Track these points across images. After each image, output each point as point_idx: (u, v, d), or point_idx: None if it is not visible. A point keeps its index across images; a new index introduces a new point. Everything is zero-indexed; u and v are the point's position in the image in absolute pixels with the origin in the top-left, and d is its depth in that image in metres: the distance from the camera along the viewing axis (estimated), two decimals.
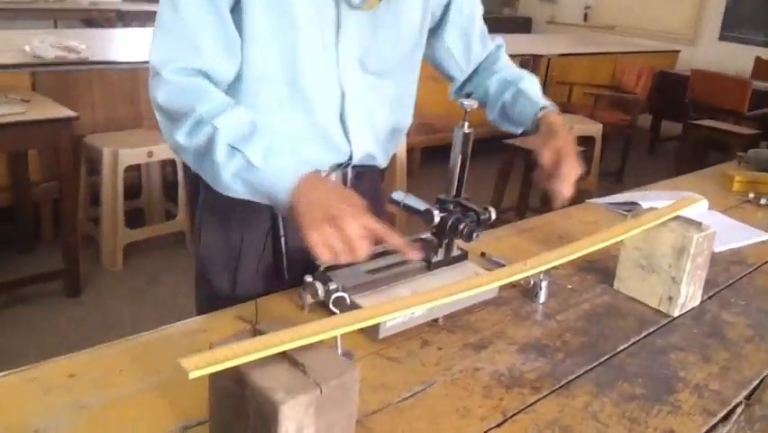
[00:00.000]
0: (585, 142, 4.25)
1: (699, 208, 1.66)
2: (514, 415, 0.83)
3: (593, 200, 1.68)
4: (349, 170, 1.15)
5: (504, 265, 1.15)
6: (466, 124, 1.01)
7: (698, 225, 1.10)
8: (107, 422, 0.75)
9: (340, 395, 0.63)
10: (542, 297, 1.11)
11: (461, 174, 1.04)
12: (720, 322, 1.12)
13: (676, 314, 1.11)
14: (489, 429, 0.80)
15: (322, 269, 1.01)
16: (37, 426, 0.74)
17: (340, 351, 0.88)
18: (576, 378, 0.92)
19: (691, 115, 5.00)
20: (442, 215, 0.99)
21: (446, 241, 1.07)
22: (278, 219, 1.10)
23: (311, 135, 1.08)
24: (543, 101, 1.19)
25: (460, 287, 0.80)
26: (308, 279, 1.00)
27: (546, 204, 3.65)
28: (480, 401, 0.85)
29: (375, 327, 0.94)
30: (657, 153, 5.90)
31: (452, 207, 1.02)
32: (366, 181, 1.19)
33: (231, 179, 0.93)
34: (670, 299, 1.11)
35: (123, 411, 0.77)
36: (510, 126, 1.27)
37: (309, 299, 1.00)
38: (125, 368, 0.85)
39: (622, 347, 1.01)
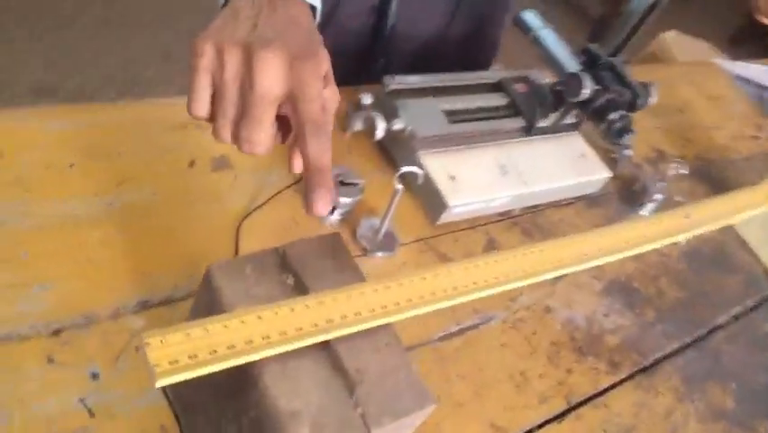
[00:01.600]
0: None
1: None
2: (580, 405, 0.61)
3: (719, 62, 1.32)
4: None
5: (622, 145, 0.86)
6: None
7: None
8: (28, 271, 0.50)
9: (395, 430, 0.38)
10: (647, 209, 0.84)
11: (637, 26, 0.68)
12: None
13: None
14: (548, 421, 0.59)
15: (388, 89, 0.70)
16: None
17: (384, 231, 0.62)
18: (663, 359, 0.70)
19: None
20: (596, 88, 0.66)
21: (564, 107, 0.75)
22: None
23: None
24: None
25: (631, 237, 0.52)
26: (366, 98, 0.69)
27: None
28: (542, 366, 0.62)
29: (436, 207, 0.67)
30: None
31: (604, 74, 0.69)
32: None
33: None
34: None
35: (49, 253, 0.51)
36: None
37: (358, 126, 0.70)
38: (78, 163, 0.58)
39: (720, 321, 0.78)
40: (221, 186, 0.62)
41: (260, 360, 0.35)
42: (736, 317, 0.79)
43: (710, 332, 0.76)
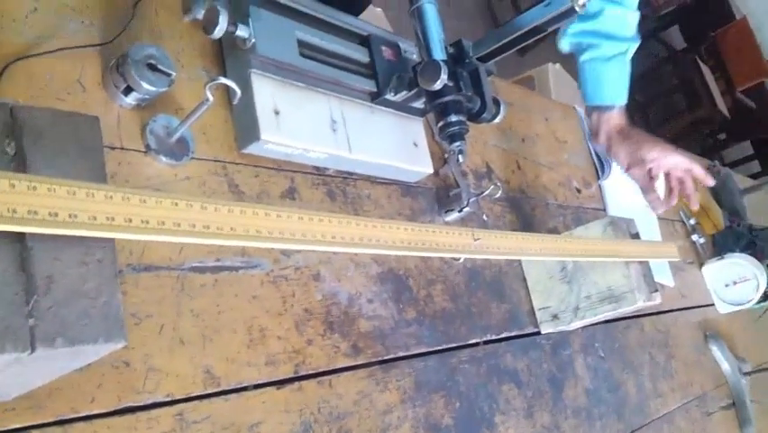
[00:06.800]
0: None
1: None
2: (306, 378, 0.60)
3: (580, 111, 1.37)
4: None
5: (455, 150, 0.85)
6: None
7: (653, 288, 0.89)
8: None
9: (67, 356, 0.33)
10: (452, 216, 0.84)
11: (512, 43, 0.67)
12: (566, 368, 0.96)
13: (545, 330, 0.93)
14: (266, 384, 0.57)
15: None
16: None
17: (178, 135, 0.56)
18: (403, 358, 0.71)
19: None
20: (449, 84, 0.63)
21: (417, 90, 0.72)
22: None
23: None
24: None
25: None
26: None
27: None
28: (285, 330, 0.60)
29: (247, 134, 0.62)
30: None
31: (465, 74, 0.66)
32: None
33: None
34: (554, 317, 0.92)
35: None
36: None
37: (198, 14, 0.62)
38: None
39: (471, 342, 0.81)
40: (11, 6, 0.52)
41: None
42: (486, 343, 0.83)
43: (458, 348, 0.79)
